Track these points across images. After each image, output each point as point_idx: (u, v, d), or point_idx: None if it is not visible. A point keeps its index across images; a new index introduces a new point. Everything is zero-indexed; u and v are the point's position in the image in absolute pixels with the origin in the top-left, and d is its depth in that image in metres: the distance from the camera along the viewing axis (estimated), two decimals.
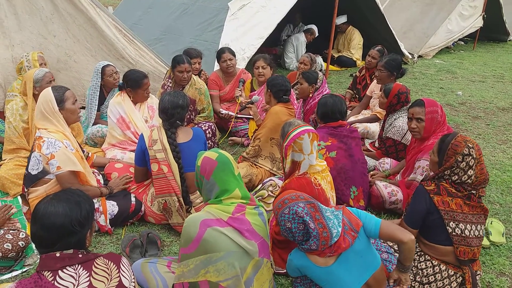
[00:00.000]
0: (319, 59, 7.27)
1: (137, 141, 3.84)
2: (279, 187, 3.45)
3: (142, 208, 3.17)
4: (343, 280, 2.07)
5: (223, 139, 4.75)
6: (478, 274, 2.48)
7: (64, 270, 1.62)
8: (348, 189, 3.14)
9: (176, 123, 3.14)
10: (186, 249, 2.08)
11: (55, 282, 1.58)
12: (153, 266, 2.38)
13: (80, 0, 4.62)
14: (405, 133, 3.78)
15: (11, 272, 2.63)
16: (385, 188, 3.27)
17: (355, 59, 8.15)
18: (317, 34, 8.02)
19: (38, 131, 2.93)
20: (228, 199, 2.17)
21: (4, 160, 3.69)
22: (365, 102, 4.95)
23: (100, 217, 3.00)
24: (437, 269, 2.43)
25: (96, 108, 4.43)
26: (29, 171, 2.90)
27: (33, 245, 2.85)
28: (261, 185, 3.42)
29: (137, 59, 5.19)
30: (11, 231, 2.71)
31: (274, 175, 3.69)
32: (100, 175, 3.44)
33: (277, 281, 2.64)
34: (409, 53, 8.47)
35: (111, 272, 1.70)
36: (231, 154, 4.23)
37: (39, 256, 2.68)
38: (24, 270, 2.66)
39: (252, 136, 4.64)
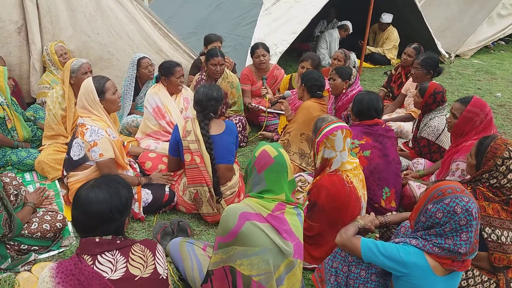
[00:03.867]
0: (353, 56, 7.17)
1: (170, 131, 3.94)
2: (308, 182, 3.45)
3: (175, 199, 3.23)
4: None
5: (255, 136, 4.76)
6: None
7: (103, 255, 1.67)
8: (380, 190, 3.10)
9: (209, 115, 3.18)
10: (223, 238, 2.09)
11: (94, 266, 1.64)
12: (190, 246, 2.39)
13: None
14: (440, 134, 3.70)
15: (48, 251, 2.75)
16: (418, 189, 3.21)
17: (389, 58, 7.99)
18: (351, 31, 7.92)
19: (81, 118, 3.03)
20: (270, 198, 2.15)
21: (44, 145, 3.84)
22: (399, 101, 4.85)
23: (134, 204, 3.08)
24: (470, 273, 2.37)
25: (132, 99, 4.54)
26: (71, 156, 3.01)
27: (70, 227, 2.96)
28: None
29: (172, 53, 5.27)
30: (49, 213, 2.82)
31: (304, 170, 3.68)
32: (137, 163, 3.52)
33: (304, 276, 2.63)
34: (446, 52, 8.23)
35: (147, 259, 1.75)
36: None
37: (75, 238, 2.81)
38: (60, 250, 2.78)
39: (281, 132, 4.66)
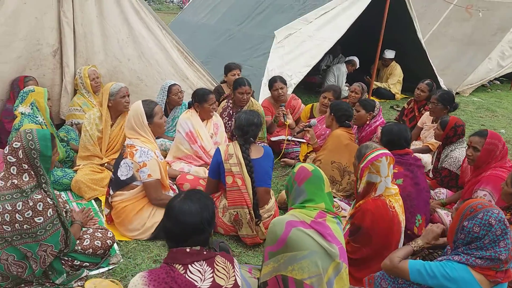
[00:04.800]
0: None
1: (202, 155, 4.08)
2: (342, 208, 3.58)
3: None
4: None
5: (276, 160, 4.90)
6: None
7: (193, 265, 1.77)
8: (413, 217, 3.23)
9: (250, 139, 3.33)
10: (273, 247, 2.25)
11: (186, 275, 1.73)
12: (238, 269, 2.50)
13: (151, 22, 4.94)
14: (461, 164, 3.89)
15: (98, 268, 2.80)
16: (446, 216, 3.36)
17: (394, 92, 8.32)
18: (358, 66, 8.26)
19: (130, 140, 3.15)
20: (312, 206, 2.33)
21: (79, 165, 3.92)
22: (416, 133, 5.07)
23: None
24: None
25: None
26: (118, 176, 3.10)
27: (115, 245, 3.02)
28: None
29: (196, 81, 5.46)
30: (99, 230, 2.89)
31: (334, 197, 3.81)
32: (175, 185, 3.62)
33: None
34: (447, 89, 8.61)
35: (229, 270, 1.85)
36: (282, 175, 4.43)
37: (121, 256, 2.87)
38: (110, 267, 2.83)
39: (303, 159, 4.82)
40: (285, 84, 5.23)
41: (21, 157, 2.42)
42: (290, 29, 6.91)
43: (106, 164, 3.98)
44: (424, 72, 8.20)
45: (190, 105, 4.27)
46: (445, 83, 8.59)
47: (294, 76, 6.65)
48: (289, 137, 5.05)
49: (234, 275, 1.86)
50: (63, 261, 2.63)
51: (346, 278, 2.33)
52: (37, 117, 3.81)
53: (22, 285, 2.59)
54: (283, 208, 3.75)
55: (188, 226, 1.78)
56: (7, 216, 2.42)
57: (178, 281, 1.71)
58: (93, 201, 3.67)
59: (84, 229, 2.93)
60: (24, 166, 2.44)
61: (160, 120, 3.26)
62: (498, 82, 10.47)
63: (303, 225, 2.25)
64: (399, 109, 7.09)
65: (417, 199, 3.28)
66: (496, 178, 3.22)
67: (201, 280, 1.75)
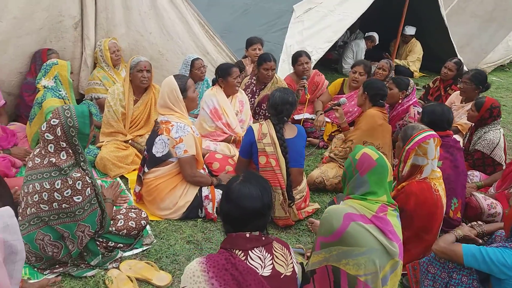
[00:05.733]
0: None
1: (227, 131, 3.97)
2: None
3: None
4: None
5: None
6: None
7: (253, 251, 1.69)
8: (450, 200, 3.14)
9: (283, 119, 3.21)
10: (327, 238, 2.12)
11: (247, 261, 1.65)
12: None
13: None
14: (495, 147, 3.78)
15: (131, 249, 2.74)
16: (484, 200, 3.27)
17: (412, 70, 8.12)
18: (377, 42, 8.04)
19: (164, 116, 3.03)
20: (374, 200, 2.19)
21: (102, 142, 3.82)
22: None
23: (208, 204, 3.08)
24: None
25: None
26: (154, 153, 3.01)
27: (148, 226, 2.95)
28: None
29: (217, 56, 5.29)
30: (133, 210, 2.82)
31: None
32: (204, 164, 3.53)
33: None
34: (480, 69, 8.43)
35: (286, 257, 1.77)
36: (306, 155, 4.32)
37: (153, 237, 2.80)
38: (144, 248, 2.77)
39: (327, 139, 4.71)
40: (310, 59, 5.06)
41: (59, 134, 2.32)
42: (310, 3, 6.69)
43: (130, 141, 3.88)
44: (444, 49, 8.00)
45: (214, 82, 4.12)
46: (464, 61, 8.38)
47: (315, 52, 6.45)
48: (311, 115, 4.93)
49: (292, 262, 1.78)
50: (97, 242, 2.56)
51: (400, 273, 2.24)
52: (60, 91, 3.69)
53: (56, 265, 2.53)
54: (312, 189, 3.66)
55: (249, 210, 1.69)
56: (45, 195, 2.34)
57: (240, 268, 1.62)
58: (118, 178, 3.59)
59: (116, 208, 2.85)
60: (62, 144, 2.35)
61: (194, 94, 3.13)
62: None
63: (363, 220, 2.10)
64: (419, 87, 6.93)
65: (455, 182, 3.19)
66: None
67: (262, 267, 1.67)
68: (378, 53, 8.24)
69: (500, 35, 8.93)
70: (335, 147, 4.07)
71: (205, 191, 3.12)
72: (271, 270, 1.67)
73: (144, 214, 2.83)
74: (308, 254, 2.63)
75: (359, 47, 7.88)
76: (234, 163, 3.56)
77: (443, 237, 2.36)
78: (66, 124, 2.33)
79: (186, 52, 5.01)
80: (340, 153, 3.82)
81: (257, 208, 1.69)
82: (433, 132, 2.64)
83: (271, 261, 1.70)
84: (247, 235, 1.69)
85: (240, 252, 1.67)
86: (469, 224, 2.65)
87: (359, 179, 2.21)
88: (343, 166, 3.78)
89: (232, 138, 3.97)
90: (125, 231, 2.67)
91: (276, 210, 3.14)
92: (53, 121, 2.34)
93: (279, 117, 3.20)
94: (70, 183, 2.34)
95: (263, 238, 1.73)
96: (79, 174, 2.38)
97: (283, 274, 1.70)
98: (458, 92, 4.76)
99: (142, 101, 3.92)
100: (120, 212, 2.78)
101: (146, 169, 3.09)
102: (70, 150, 2.37)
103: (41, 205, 2.36)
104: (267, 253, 1.71)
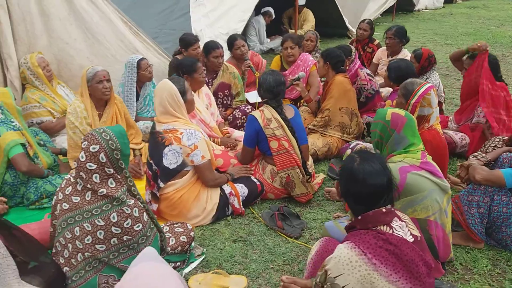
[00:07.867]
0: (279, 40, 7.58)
1: (204, 128, 3.83)
2: (368, 148, 3.76)
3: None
4: None
5: None
6: None
7: (393, 222, 1.75)
8: None
9: (281, 100, 3.24)
10: None
11: (396, 233, 1.71)
12: (343, 225, 2.52)
13: None
14: (438, 89, 4.34)
15: (188, 265, 2.55)
16: (456, 135, 3.78)
17: None
18: (273, 16, 8.32)
19: (166, 124, 2.81)
20: (415, 149, 2.45)
21: (73, 168, 3.35)
22: (372, 70, 5.42)
23: (234, 200, 3.00)
24: None
25: (135, 105, 4.21)
26: (166, 165, 2.78)
27: None
28: (349, 150, 3.67)
29: (146, 52, 4.95)
30: (176, 225, 2.62)
31: (346, 141, 3.96)
32: None
33: None
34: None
35: (411, 223, 1.87)
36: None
37: (200, 246, 2.65)
38: (201, 259, 2.60)
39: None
40: (245, 40, 5.06)
41: (104, 161, 2.05)
42: None
43: None
44: (331, 16, 8.69)
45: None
46: (349, 20, 9.20)
47: (231, 32, 6.42)
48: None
49: (414, 227, 1.90)
50: None
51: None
52: (12, 122, 3.12)
53: None
54: None
55: (379, 186, 1.74)
56: (100, 233, 2.06)
57: (393, 241, 1.68)
58: None
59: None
60: (109, 171, 2.07)
61: (192, 96, 2.95)
62: (381, 17, 11.63)
63: (415, 169, 2.36)
64: None
65: None
66: None
67: (405, 235, 1.74)
68: (276, 26, 8.57)
69: None
70: (306, 119, 4.23)
71: (227, 188, 3.02)
72: (411, 236, 1.77)
73: (189, 225, 2.65)
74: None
75: (260, 23, 8.09)
76: (234, 156, 3.49)
77: (478, 168, 2.68)
78: (109, 148, 2.07)
79: (116, 54, 4.62)
80: (320, 123, 3.99)
81: (385, 182, 1.75)
82: (431, 84, 2.96)
83: (407, 228, 1.79)
84: (384, 210, 1.76)
85: (385, 226, 1.72)
86: (472, 156, 3.07)
87: (397, 137, 2.46)
88: (324, 135, 4.00)
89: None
90: (179, 247, 2.48)
91: (296, 188, 3.19)
92: (93, 148, 2.05)
93: (277, 99, 3.22)
94: (128, 212, 2.09)
95: (393, 209, 1.81)
96: (132, 201, 2.15)
97: (419, 237, 1.81)
98: (384, 48, 5.28)
99: (106, 114, 3.54)
100: (165, 231, 2.55)
101: (161, 184, 2.85)
102: (118, 176, 2.11)
103: (97, 246, 2.08)
104: (401, 222, 1.79)
